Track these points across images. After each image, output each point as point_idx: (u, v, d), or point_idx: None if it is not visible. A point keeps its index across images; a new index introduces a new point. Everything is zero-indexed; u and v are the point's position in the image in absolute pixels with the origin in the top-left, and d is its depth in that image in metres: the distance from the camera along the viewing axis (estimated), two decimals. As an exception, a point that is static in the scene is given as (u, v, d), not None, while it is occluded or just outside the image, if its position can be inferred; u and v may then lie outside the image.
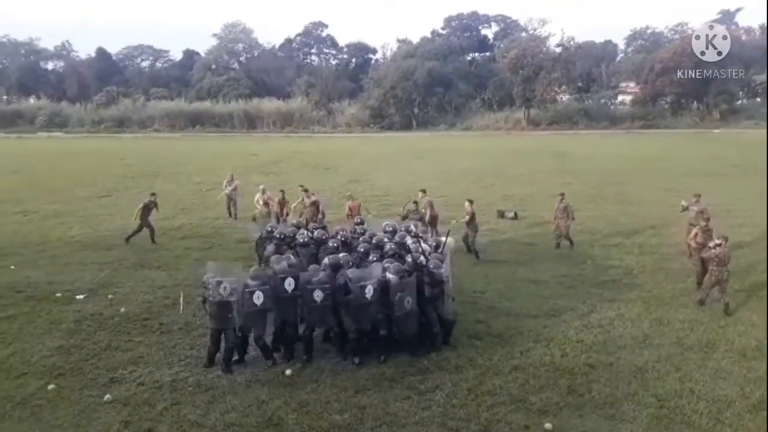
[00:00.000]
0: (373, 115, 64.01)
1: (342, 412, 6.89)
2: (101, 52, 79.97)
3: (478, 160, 33.34)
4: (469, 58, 73.71)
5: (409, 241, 9.33)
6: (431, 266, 8.29)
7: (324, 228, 10.67)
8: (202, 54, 79.90)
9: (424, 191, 14.60)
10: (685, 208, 13.20)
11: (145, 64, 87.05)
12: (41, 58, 77.98)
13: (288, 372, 7.77)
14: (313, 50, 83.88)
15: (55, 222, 17.73)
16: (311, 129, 62.39)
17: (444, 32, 77.36)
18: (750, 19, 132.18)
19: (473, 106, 66.16)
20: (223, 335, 7.85)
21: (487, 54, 74.43)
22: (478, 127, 60.88)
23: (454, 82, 65.77)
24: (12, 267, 12.82)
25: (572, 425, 6.61)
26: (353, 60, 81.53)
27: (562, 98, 65.84)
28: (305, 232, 10.20)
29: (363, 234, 9.93)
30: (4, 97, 75.35)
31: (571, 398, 7.15)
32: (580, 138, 49.72)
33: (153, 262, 13.15)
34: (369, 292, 7.73)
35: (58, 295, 10.88)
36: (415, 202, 13.82)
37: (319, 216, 14.53)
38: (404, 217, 12.76)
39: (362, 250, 9.12)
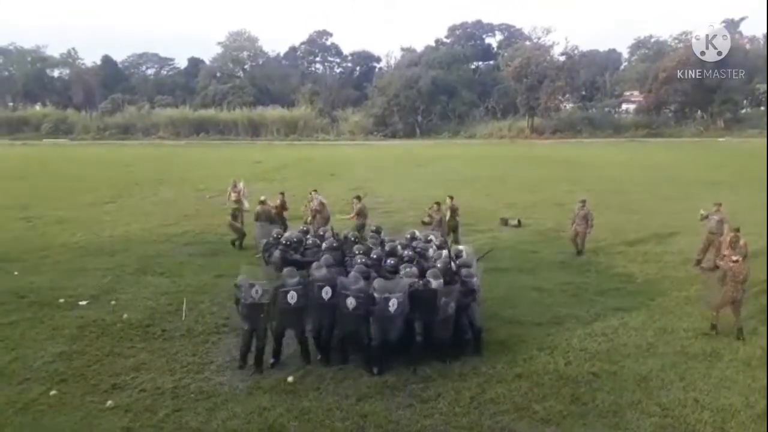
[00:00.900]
0: (376, 123, 64.30)
1: (344, 419, 6.86)
2: (107, 60, 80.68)
3: (481, 168, 33.39)
4: (473, 67, 74.11)
5: (430, 251, 9.49)
6: (464, 274, 8.38)
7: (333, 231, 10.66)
8: (207, 62, 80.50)
9: (451, 197, 14.43)
10: (705, 217, 12.78)
11: (150, 71, 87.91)
12: (47, 65, 78.65)
13: (290, 379, 7.77)
14: (318, 58, 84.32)
15: (59, 228, 17.77)
16: (315, 137, 62.72)
17: (448, 41, 77.84)
18: (754, 28, 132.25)
19: (477, 114, 66.46)
20: (254, 335, 8.04)
21: (491, 62, 74.81)
22: (481, 135, 61.13)
23: (457, 90, 66.05)
24: (15, 273, 12.84)
25: (576, 434, 6.56)
26: (357, 68, 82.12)
27: (565, 107, 66.10)
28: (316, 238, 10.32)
29: (381, 243, 9.98)
30: (10, 104, 76.04)
31: (574, 407, 7.11)
32: (584, 146, 49.77)
33: (156, 269, 13.16)
34: (393, 305, 7.66)
35: (61, 300, 10.89)
36: (438, 204, 13.79)
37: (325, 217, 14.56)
38: (426, 223, 12.71)
39: (375, 256, 9.14)
